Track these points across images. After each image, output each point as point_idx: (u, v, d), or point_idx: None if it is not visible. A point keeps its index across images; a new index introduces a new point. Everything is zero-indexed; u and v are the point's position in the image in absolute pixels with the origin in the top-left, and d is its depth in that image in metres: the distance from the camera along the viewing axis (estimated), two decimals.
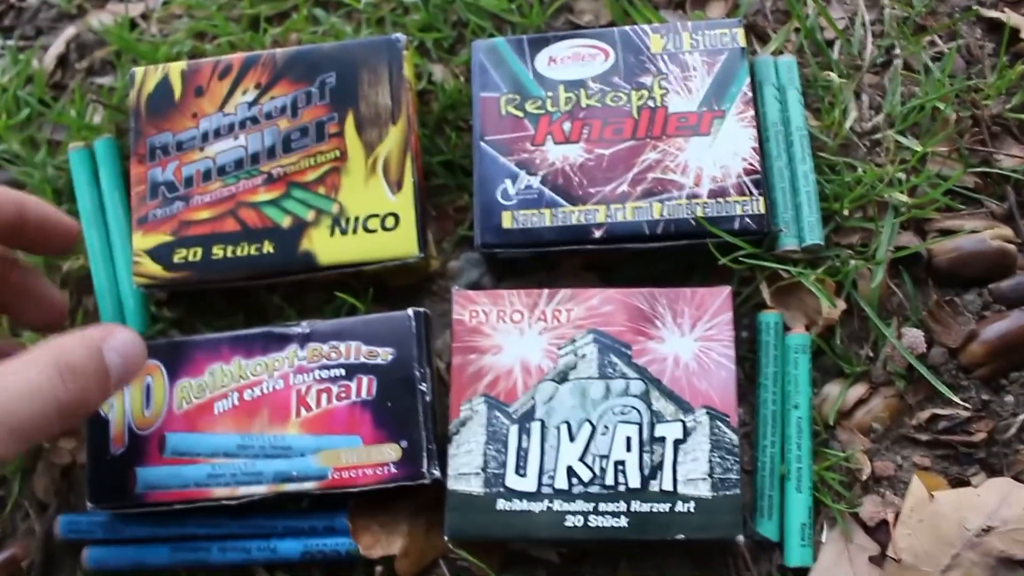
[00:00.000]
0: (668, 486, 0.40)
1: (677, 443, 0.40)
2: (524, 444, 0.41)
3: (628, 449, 0.40)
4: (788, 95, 0.47)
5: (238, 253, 0.45)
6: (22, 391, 0.31)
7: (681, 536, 0.39)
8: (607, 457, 0.40)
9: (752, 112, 0.45)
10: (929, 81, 0.48)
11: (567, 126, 0.45)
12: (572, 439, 0.41)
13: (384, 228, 0.45)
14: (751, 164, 0.44)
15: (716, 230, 0.42)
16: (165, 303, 0.50)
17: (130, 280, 0.47)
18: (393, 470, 0.41)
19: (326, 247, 0.45)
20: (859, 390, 0.44)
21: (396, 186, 0.45)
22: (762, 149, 0.45)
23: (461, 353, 0.42)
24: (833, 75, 0.48)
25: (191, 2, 0.57)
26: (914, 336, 0.43)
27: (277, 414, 0.42)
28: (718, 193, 0.43)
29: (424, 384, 0.42)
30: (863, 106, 0.49)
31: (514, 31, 0.52)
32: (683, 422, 0.40)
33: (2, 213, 0.39)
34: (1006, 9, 0.51)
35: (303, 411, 0.42)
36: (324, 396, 0.42)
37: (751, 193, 0.43)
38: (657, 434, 0.40)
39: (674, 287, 0.43)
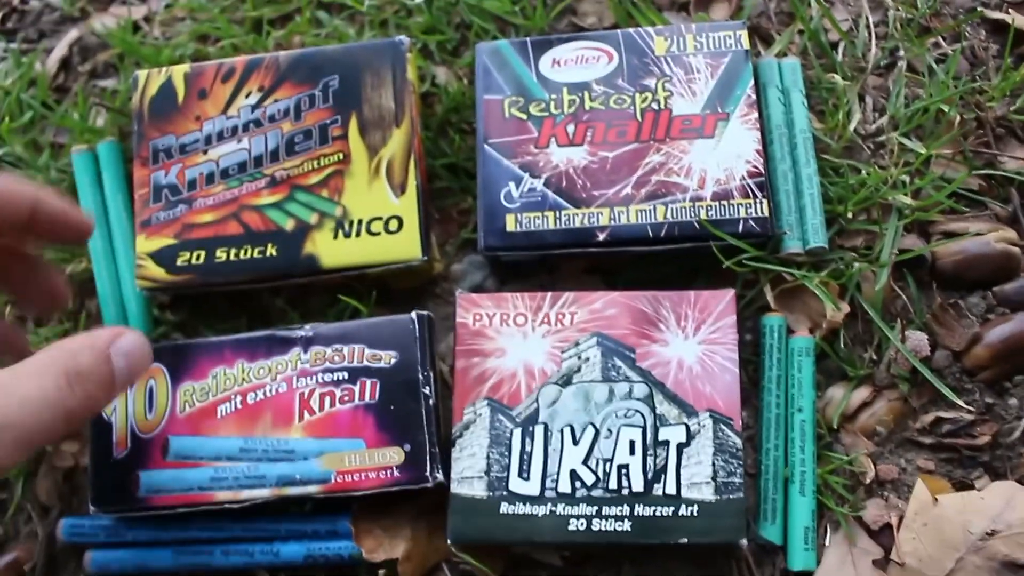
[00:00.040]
0: (672, 490, 0.40)
1: (681, 447, 0.40)
2: (527, 447, 0.41)
3: (632, 452, 0.40)
4: (792, 97, 0.47)
5: (241, 256, 0.45)
6: (31, 399, 0.31)
7: (684, 540, 0.39)
8: (611, 461, 0.40)
9: (756, 114, 0.44)
10: (933, 83, 0.48)
11: (571, 129, 0.45)
12: (576, 442, 0.41)
13: (387, 231, 0.45)
14: (755, 167, 0.43)
15: (720, 233, 0.42)
16: (168, 306, 0.50)
17: (133, 283, 0.47)
18: (396, 474, 0.41)
19: (329, 250, 0.45)
20: (863, 393, 0.44)
21: (399, 189, 0.45)
22: (766, 152, 0.45)
23: (464, 356, 0.42)
24: (837, 77, 0.48)
25: (194, 5, 0.57)
26: (918, 339, 0.43)
27: (280, 417, 0.42)
28: (722, 196, 0.43)
29: (427, 387, 0.42)
30: (867, 108, 0.48)
31: (518, 33, 0.52)
32: (687, 425, 0.40)
33: (17, 205, 0.39)
34: (1011, 10, 0.50)
35: (306, 414, 0.42)
36: (327, 399, 0.42)
37: (755, 196, 0.43)
38: (661, 437, 0.40)
39: (678, 290, 0.42)
